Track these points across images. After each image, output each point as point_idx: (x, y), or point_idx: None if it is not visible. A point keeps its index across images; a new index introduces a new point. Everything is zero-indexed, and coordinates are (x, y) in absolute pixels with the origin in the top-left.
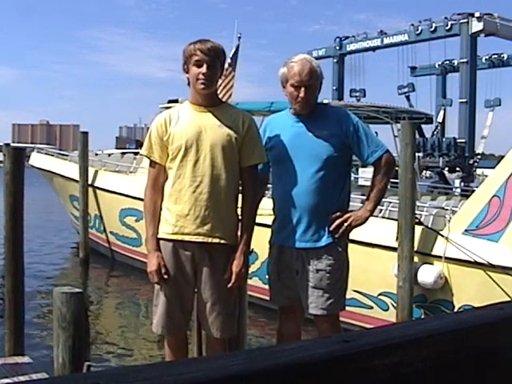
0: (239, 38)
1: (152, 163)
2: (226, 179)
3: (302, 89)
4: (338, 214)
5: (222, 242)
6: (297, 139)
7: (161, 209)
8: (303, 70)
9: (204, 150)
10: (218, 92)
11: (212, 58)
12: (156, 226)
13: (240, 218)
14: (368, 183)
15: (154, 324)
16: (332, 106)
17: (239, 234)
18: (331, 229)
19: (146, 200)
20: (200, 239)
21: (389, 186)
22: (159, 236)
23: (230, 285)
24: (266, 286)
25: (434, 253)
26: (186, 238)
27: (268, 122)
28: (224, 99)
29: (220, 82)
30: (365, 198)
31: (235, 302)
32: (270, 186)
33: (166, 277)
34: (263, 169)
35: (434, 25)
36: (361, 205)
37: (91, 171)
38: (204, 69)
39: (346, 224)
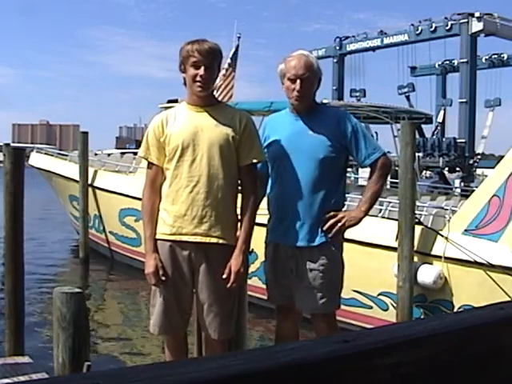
0: (239, 37)
1: (149, 164)
2: (223, 178)
3: (298, 81)
4: (332, 213)
5: (220, 241)
6: (294, 137)
7: (159, 210)
8: (299, 63)
9: (201, 150)
10: (219, 93)
11: (210, 59)
12: (154, 228)
13: (239, 217)
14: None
15: (151, 324)
16: (332, 107)
17: (238, 233)
18: (324, 228)
19: (143, 201)
20: (198, 239)
21: (388, 186)
22: (157, 237)
23: (228, 285)
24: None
25: (433, 253)
26: (184, 238)
27: (267, 121)
28: (225, 100)
29: (221, 82)
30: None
31: (234, 303)
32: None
33: (163, 279)
34: (262, 168)
35: (433, 25)
36: None
37: (91, 171)
38: (202, 71)
39: (339, 224)
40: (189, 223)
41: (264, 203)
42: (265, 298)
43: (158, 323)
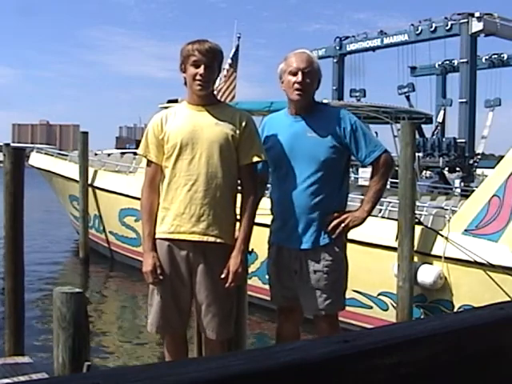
0: (239, 37)
1: (148, 162)
2: (222, 177)
3: (300, 73)
4: (336, 214)
5: (218, 240)
6: (295, 139)
7: (158, 209)
8: (300, 57)
9: (200, 148)
10: (221, 94)
11: (210, 58)
12: (152, 226)
13: (239, 217)
14: (368, 183)
15: (148, 323)
16: (330, 106)
17: (237, 233)
18: (328, 229)
19: (142, 199)
20: (195, 238)
21: (388, 186)
22: (156, 236)
23: (226, 285)
24: (266, 286)
25: (433, 253)
26: (182, 236)
27: (266, 121)
28: (227, 100)
29: (222, 84)
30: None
31: (232, 303)
32: (269, 185)
33: (161, 277)
34: (262, 168)
35: (433, 25)
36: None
37: (91, 171)
38: (201, 70)
39: (343, 224)
40: (187, 221)
41: (264, 203)
42: (265, 298)
43: (156, 323)
